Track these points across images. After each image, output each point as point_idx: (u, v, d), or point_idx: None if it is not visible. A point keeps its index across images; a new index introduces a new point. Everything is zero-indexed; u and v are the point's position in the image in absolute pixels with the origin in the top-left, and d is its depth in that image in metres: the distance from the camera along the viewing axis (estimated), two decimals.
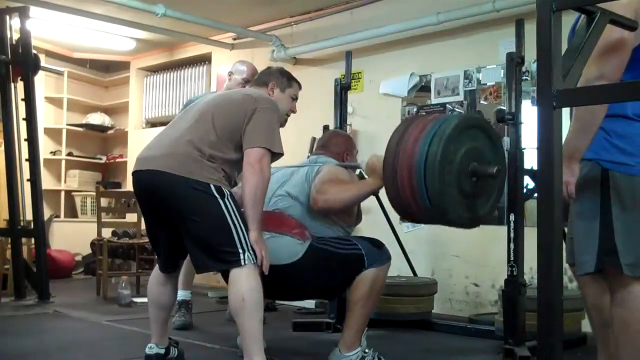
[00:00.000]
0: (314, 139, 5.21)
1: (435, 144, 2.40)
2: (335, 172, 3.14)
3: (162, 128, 3.04)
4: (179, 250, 2.90)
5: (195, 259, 2.78)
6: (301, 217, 3.02)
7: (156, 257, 3.04)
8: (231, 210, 2.68)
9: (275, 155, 2.79)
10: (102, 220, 5.56)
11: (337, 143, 3.45)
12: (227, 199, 2.70)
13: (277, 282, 2.88)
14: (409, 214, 2.66)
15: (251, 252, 2.66)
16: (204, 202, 2.66)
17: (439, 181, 2.39)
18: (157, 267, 3.01)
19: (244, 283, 2.62)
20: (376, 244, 3.05)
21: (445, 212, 2.47)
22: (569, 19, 1.79)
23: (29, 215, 5.08)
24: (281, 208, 3.05)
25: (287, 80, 3.15)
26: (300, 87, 3.23)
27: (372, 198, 4.62)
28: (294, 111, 3.19)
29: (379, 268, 2.97)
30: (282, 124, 3.06)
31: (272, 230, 2.93)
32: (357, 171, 3.48)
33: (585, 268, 2.07)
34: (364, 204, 4.43)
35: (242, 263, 2.62)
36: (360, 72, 5.52)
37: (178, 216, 2.71)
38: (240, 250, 2.63)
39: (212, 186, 2.68)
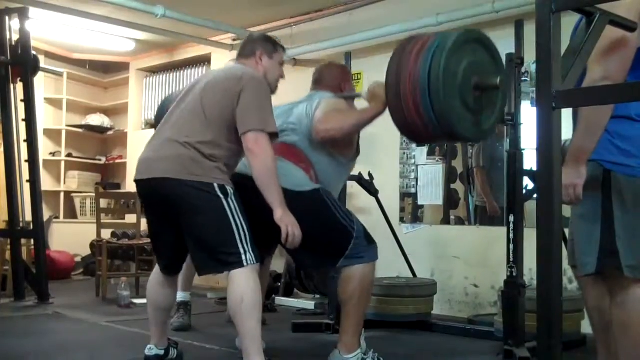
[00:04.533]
0: None
1: (437, 60, 2.38)
2: (334, 103, 3.06)
3: None
4: (183, 253, 2.90)
5: (197, 261, 2.78)
6: (304, 150, 2.98)
7: (156, 258, 3.03)
8: (234, 210, 2.67)
9: (272, 136, 2.71)
10: (102, 221, 5.57)
11: (332, 76, 3.33)
12: (231, 198, 2.69)
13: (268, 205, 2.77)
14: (416, 134, 2.64)
15: (252, 253, 2.65)
16: (207, 203, 2.65)
17: (443, 97, 2.38)
18: (156, 268, 3.00)
19: (243, 284, 2.62)
20: (369, 239, 3.00)
21: (452, 129, 2.48)
22: (568, 20, 1.79)
23: (29, 217, 5.08)
24: (286, 142, 3.00)
25: (273, 46, 3.04)
26: (285, 50, 3.13)
27: (371, 199, 4.64)
28: (283, 77, 3.09)
29: (365, 265, 2.93)
30: (274, 91, 2.99)
31: (280, 156, 2.86)
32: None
33: (586, 269, 2.07)
34: (362, 205, 4.42)
35: (244, 264, 2.63)
36: (359, 73, 5.52)
37: (182, 218, 2.71)
38: (242, 251, 2.63)
39: (216, 185, 2.67)
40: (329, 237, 2.94)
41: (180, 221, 2.72)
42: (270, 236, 2.89)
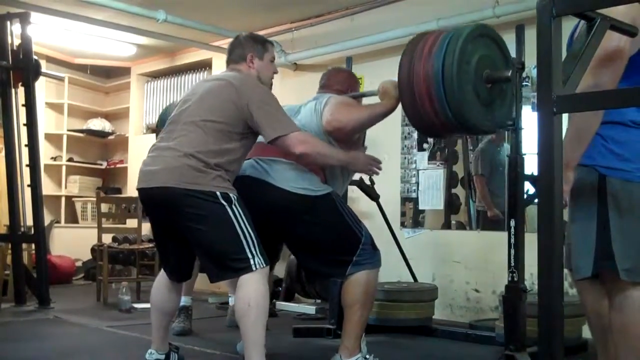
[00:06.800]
0: None
1: (450, 54, 2.41)
2: (344, 99, 3.09)
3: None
4: (189, 261, 2.90)
5: (207, 270, 2.78)
6: None
7: (162, 263, 3.03)
8: (239, 217, 2.68)
9: None
10: (103, 225, 5.57)
11: (339, 80, 3.33)
12: (235, 205, 2.70)
13: (281, 206, 2.87)
14: (430, 127, 2.64)
15: (260, 257, 2.66)
16: (211, 211, 2.66)
17: (458, 90, 2.40)
18: (161, 273, 3.00)
19: (252, 288, 2.63)
20: (374, 246, 3.04)
21: (467, 121, 2.50)
22: (569, 25, 1.79)
23: (30, 221, 5.08)
24: None
25: (262, 46, 3.05)
26: (273, 45, 3.16)
27: (372, 203, 4.64)
28: (276, 72, 3.13)
29: (370, 271, 2.96)
30: (269, 89, 3.03)
31: (287, 159, 2.89)
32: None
33: (582, 273, 2.07)
34: (363, 209, 4.42)
35: (253, 269, 2.64)
36: (360, 78, 5.51)
37: (187, 227, 2.71)
38: (250, 256, 2.64)
39: (219, 193, 2.68)
40: (339, 241, 2.95)
41: (185, 231, 2.73)
42: (274, 241, 2.91)
